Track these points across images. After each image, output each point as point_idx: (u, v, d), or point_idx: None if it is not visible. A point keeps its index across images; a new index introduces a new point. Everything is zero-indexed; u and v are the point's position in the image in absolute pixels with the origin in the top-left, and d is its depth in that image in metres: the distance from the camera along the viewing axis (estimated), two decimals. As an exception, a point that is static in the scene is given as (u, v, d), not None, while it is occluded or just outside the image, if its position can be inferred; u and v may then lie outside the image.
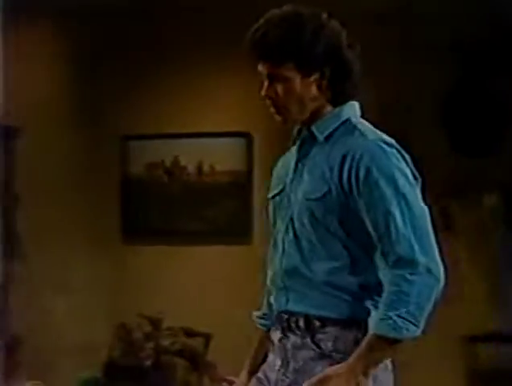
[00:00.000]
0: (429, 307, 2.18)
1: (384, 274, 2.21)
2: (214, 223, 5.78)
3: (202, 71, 5.74)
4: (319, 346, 2.26)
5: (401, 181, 2.24)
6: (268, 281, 2.40)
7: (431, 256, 2.19)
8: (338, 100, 2.36)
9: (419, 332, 2.17)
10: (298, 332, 2.29)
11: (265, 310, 2.48)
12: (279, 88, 2.34)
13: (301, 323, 2.29)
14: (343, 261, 2.27)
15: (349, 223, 2.26)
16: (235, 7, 5.39)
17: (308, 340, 2.28)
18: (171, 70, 5.82)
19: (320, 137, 2.34)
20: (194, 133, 5.82)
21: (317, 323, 2.27)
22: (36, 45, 5.92)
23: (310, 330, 2.28)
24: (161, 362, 4.92)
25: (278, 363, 2.33)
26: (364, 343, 2.17)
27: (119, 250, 5.93)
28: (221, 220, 5.77)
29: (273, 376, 2.34)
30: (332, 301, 2.27)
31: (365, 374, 2.17)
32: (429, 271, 2.18)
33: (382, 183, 2.22)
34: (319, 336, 2.27)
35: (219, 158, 5.78)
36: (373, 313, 2.21)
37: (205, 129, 5.80)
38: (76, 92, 5.97)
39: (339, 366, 2.18)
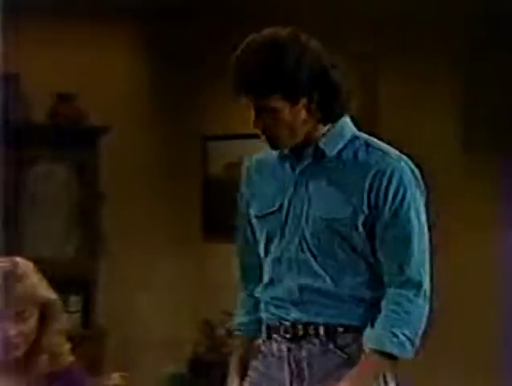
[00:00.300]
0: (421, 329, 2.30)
1: (387, 292, 2.29)
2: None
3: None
4: (344, 352, 2.31)
5: (421, 207, 2.33)
6: (268, 294, 2.40)
7: (428, 282, 2.32)
8: (329, 119, 2.35)
9: (413, 352, 2.27)
10: (315, 340, 2.32)
11: (246, 318, 2.48)
12: (268, 119, 2.31)
13: (321, 331, 2.32)
14: (365, 277, 2.33)
15: (374, 241, 2.32)
16: (303, 4, 5.41)
17: (332, 347, 2.31)
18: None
19: (330, 154, 2.34)
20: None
21: (340, 329, 2.32)
22: (116, 45, 6.02)
23: (331, 337, 2.31)
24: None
25: (286, 372, 2.35)
26: (366, 360, 2.25)
27: (200, 248, 6.00)
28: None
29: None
30: (353, 311, 2.33)
31: None
32: (426, 296, 2.31)
33: (408, 208, 2.29)
34: (341, 342, 2.31)
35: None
36: (370, 330, 2.27)
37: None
38: (157, 92, 6.07)
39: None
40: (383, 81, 5.43)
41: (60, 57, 5.67)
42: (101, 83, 5.77)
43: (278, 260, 2.38)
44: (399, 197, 2.29)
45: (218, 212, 6.02)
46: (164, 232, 5.93)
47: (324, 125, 2.35)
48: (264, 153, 2.46)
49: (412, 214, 2.30)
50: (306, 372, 2.33)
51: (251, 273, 2.49)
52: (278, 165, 2.41)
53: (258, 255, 2.46)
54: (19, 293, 2.42)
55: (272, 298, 2.39)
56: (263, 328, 2.41)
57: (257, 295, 2.45)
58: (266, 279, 2.41)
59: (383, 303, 2.29)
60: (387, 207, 2.29)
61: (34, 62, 5.50)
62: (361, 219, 2.30)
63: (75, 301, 5.67)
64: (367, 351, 2.26)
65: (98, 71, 5.79)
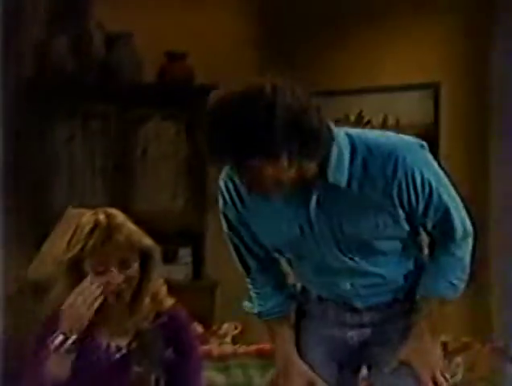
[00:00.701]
0: None
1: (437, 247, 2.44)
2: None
3: (388, 25, 5.75)
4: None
5: (434, 166, 2.39)
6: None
7: (470, 224, 2.46)
8: (314, 159, 2.26)
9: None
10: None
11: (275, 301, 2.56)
12: (268, 179, 2.21)
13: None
14: (408, 257, 2.48)
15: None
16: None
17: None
18: (354, 23, 5.85)
19: (343, 183, 2.29)
20: (378, 87, 5.84)
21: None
22: (224, 3, 6.08)
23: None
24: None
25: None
26: (426, 310, 2.42)
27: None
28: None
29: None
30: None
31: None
32: (471, 237, 2.46)
33: (435, 187, 2.35)
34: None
35: (404, 111, 5.76)
36: (424, 279, 2.45)
37: (389, 82, 5.80)
38: (264, 50, 6.10)
39: (421, 343, 2.41)
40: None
41: (170, 16, 5.77)
42: (209, 41, 5.83)
43: (323, 274, 2.47)
44: (427, 187, 2.35)
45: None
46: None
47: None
48: None
49: (440, 189, 2.38)
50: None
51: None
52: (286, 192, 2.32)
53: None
54: (120, 242, 2.55)
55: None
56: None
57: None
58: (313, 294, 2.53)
59: (434, 255, 2.45)
60: (420, 200, 2.35)
61: (145, 21, 5.61)
62: (399, 219, 2.37)
63: (185, 253, 5.84)
64: (423, 299, 2.44)
65: (207, 30, 5.86)
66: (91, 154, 5.59)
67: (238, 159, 2.19)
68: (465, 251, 2.45)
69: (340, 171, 2.28)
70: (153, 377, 2.45)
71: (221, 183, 2.44)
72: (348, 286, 2.45)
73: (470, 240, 2.46)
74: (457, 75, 5.51)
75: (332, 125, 2.31)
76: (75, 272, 2.57)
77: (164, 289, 2.68)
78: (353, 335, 2.50)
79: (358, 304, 2.47)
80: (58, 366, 2.50)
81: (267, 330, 2.58)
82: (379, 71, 5.82)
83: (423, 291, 2.45)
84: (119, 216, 2.60)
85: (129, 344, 2.54)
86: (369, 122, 5.89)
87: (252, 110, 2.13)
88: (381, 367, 2.46)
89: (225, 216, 2.49)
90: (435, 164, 2.41)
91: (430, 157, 2.40)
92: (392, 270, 2.45)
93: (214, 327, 3.75)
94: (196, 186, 5.89)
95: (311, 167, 2.26)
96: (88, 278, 2.53)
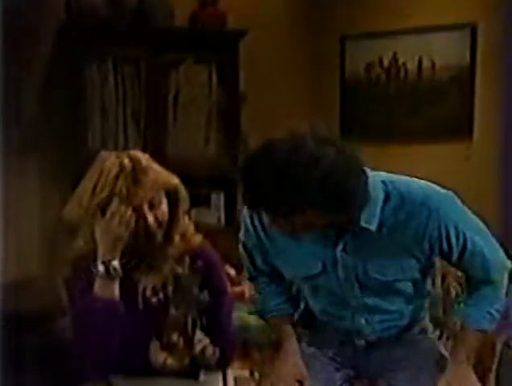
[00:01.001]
0: None
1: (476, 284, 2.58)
2: (434, 120, 5.77)
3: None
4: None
5: (467, 214, 2.48)
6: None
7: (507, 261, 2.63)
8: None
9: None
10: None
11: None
12: (298, 223, 2.25)
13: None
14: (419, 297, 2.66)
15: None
16: None
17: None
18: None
19: (374, 228, 2.36)
20: (413, 29, 5.77)
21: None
22: None
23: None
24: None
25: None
26: (467, 340, 2.54)
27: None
28: (441, 117, 5.74)
29: None
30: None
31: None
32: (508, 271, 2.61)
33: (469, 237, 2.45)
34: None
35: (439, 52, 5.71)
36: (466, 311, 2.59)
37: (424, 22, 5.73)
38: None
39: (460, 370, 2.53)
40: None
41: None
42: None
43: (340, 308, 2.59)
44: (461, 239, 2.44)
45: (356, 113, 6.05)
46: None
47: None
48: None
49: (473, 237, 2.47)
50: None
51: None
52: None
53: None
54: (148, 183, 2.58)
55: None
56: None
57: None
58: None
59: (472, 291, 2.59)
60: (454, 250, 2.46)
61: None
62: (419, 270, 2.53)
63: (217, 198, 5.86)
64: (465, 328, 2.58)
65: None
66: (123, 99, 5.60)
67: (288, 215, 2.19)
68: (503, 284, 2.57)
69: (372, 216, 2.35)
70: (190, 320, 2.47)
71: (246, 215, 2.57)
72: (363, 321, 2.59)
73: (506, 275, 2.57)
74: (494, 15, 5.42)
75: (369, 172, 2.32)
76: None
77: (192, 227, 2.71)
78: (362, 343, 2.64)
79: (369, 336, 2.62)
80: (105, 289, 2.51)
81: (271, 326, 2.61)
82: (414, 11, 5.74)
83: (465, 322, 2.57)
84: (143, 159, 2.62)
85: (165, 288, 2.56)
86: (404, 65, 5.84)
87: (299, 166, 2.14)
88: None
89: (244, 245, 2.66)
90: (467, 211, 2.46)
91: (461, 206, 2.45)
92: (405, 306, 2.60)
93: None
94: (229, 131, 5.89)
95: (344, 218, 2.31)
96: (116, 202, 2.54)
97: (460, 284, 2.94)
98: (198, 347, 2.46)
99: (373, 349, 2.64)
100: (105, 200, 2.56)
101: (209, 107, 5.82)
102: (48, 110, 5.43)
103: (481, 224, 2.52)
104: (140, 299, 2.61)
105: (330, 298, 2.59)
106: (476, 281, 2.58)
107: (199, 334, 2.47)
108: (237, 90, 5.86)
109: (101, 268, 2.50)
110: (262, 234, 2.57)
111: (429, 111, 5.79)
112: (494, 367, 2.97)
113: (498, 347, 2.99)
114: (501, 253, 2.57)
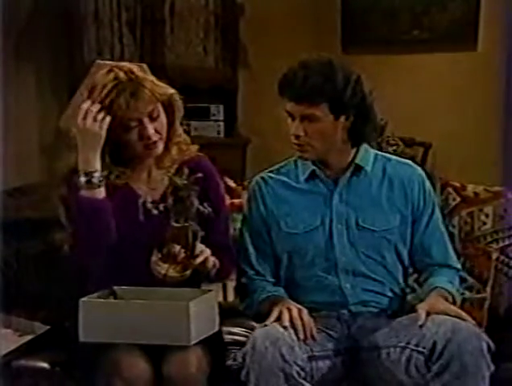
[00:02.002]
0: None
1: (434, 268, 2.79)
2: (437, 29, 5.72)
3: None
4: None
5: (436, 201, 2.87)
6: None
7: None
8: (356, 142, 2.73)
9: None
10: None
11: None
12: (310, 128, 2.65)
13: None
14: (400, 275, 2.83)
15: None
16: None
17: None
18: None
19: (368, 169, 2.74)
20: None
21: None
22: None
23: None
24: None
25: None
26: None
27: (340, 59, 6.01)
28: (445, 26, 5.70)
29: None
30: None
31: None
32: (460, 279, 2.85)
33: (436, 207, 2.81)
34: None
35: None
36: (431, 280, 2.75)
37: None
38: None
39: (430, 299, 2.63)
40: None
41: None
42: None
43: (328, 272, 2.73)
44: (432, 200, 2.80)
45: (358, 22, 6.00)
46: (303, 42, 5.97)
47: (352, 147, 2.73)
48: (276, 173, 2.82)
49: (438, 211, 2.82)
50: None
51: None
52: (306, 183, 2.77)
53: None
54: (147, 95, 2.58)
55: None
56: None
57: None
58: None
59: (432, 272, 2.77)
60: (426, 209, 2.77)
61: None
62: (408, 225, 2.76)
63: (217, 110, 5.86)
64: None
65: None
66: (117, 7, 5.55)
67: (314, 100, 2.61)
68: (456, 281, 2.78)
69: (366, 161, 2.75)
70: (191, 231, 2.49)
71: (254, 185, 2.82)
72: (348, 286, 2.72)
73: (458, 277, 2.80)
74: None
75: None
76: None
77: (187, 137, 2.73)
78: (346, 314, 2.75)
79: (353, 306, 2.72)
80: (90, 192, 2.56)
81: (267, 307, 2.69)
82: None
83: (426, 288, 2.72)
84: (137, 71, 2.62)
85: (164, 200, 2.58)
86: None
87: (339, 68, 2.65)
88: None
89: (242, 234, 2.82)
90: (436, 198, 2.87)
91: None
92: (387, 280, 2.76)
93: (245, 183, 3.80)
94: (228, 42, 5.85)
95: (348, 149, 2.73)
96: (85, 96, 2.56)
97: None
98: (199, 259, 2.49)
99: (355, 322, 2.73)
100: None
101: (207, 17, 5.77)
102: (41, 20, 5.40)
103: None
104: (141, 211, 2.64)
105: (318, 262, 2.73)
106: (436, 264, 2.77)
107: (199, 246, 2.50)
108: (235, 0, 5.82)
109: (82, 178, 2.53)
110: (268, 198, 2.79)
111: (432, 19, 5.74)
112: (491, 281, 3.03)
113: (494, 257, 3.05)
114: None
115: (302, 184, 2.78)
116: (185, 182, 2.46)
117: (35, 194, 3.26)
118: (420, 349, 2.49)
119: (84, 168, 2.55)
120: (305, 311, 2.62)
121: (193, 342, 2.47)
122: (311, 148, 2.69)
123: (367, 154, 2.77)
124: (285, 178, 2.81)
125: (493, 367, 2.46)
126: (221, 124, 5.87)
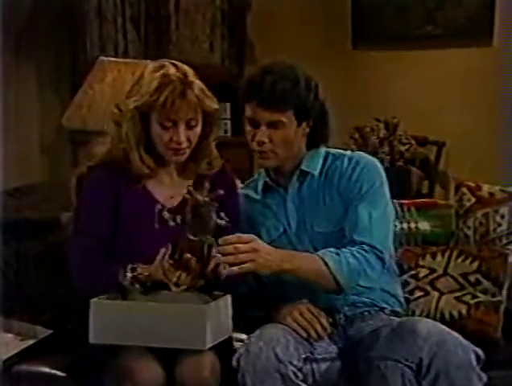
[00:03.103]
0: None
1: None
2: (452, 24, 5.72)
3: None
4: None
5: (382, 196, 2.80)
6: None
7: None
8: (313, 145, 2.79)
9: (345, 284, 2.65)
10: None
11: None
12: (275, 135, 2.69)
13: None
14: None
15: None
16: None
17: None
18: None
19: (315, 173, 2.77)
20: None
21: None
22: None
23: None
24: (395, 168, 5.07)
25: None
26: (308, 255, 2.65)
27: (349, 56, 6.03)
28: (459, 21, 5.70)
29: None
30: None
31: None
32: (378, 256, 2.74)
33: (373, 192, 2.75)
34: None
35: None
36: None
37: None
38: None
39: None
40: None
41: None
42: None
43: None
44: (365, 186, 2.74)
45: (369, 17, 6.00)
46: (312, 38, 5.98)
47: (308, 149, 2.79)
48: (245, 187, 2.91)
49: (372, 202, 2.73)
50: None
51: None
52: (265, 195, 2.83)
53: None
54: (193, 100, 2.59)
55: None
56: None
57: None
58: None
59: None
60: (355, 194, 2.74)
61: None
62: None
63: (223, 108, 5.85)
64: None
65: None
66: (121, 3, 5.57)
67: (280, 107, 2.65)
68: (367, 258, 2.68)
69: (314, 164, 2.78)
70: (206, 245, 2.49)
71: (257, 173, 2.90)
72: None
73: (373, 255, 2.67)
74: None
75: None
76: (141, 121, 2.62)
77: (216, 152, 2.74)
78: (342, 317, 2.76)
79: (344, 309, 2.73)
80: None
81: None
82: None
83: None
84: (190, 71, 2.63)
85: (180, 210, 2.59)
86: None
87: (302, 74, 2.69)
88: None
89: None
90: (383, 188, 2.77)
91: (382, 174, 2.78)
92: None
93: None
94: (234, 38, 5.86)
95: (304, 152, 2.78)
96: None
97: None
98: (211, 266, 2.48)
99: (352, 326, 2.73)
100: (147, 105, 2.58)
101: (213, 13, 5.78)
102: (42, 16, 5.41)
103: (388, 210, 2.75)
104: (157, 219, 2.66)
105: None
106: (348, 240, 2.69)
107: (215, 259, 2.48)
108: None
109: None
110: (258, 190, 2.85)
111: (446, 14, 5.74)
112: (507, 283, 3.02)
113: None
114: (383, 235, 2.71)
115: (260, 195, 2.84)
116: (206, 199, 2.46)
117: (36, 194, 3.27)
118: (409, 364, 2.45)
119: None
120: (311, 307, 2.63)
121: (208, 347, 2.46)
122: (274, 155, 2.72)
123: (315, 157, 2.80)
124: (248, 191, 2.87)
125: (485, 378, 2.44)
126: (228, 122, 5.88)
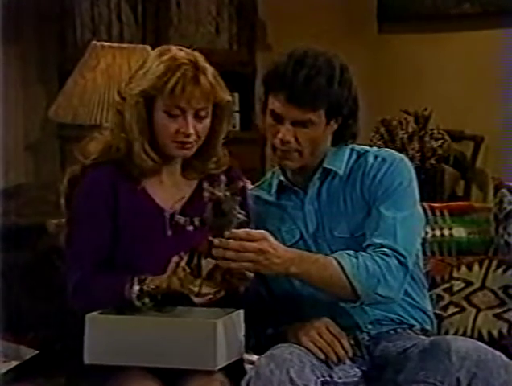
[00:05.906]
0: None
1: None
2: (491, 1, 5.72)
3: None
4: None
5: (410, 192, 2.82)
6: None
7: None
8: (341, 141, 2.78)
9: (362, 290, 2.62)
10: None
11: None
12: (302, 134, 2.68)
13: None
14: None
15: None
16: None
17: None
18: None
19: (340, 171, 2.76)
20: None
21: None
22: None
23: None
24: (426, 167, 5.08)
25: None
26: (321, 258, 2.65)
27: (374, 39, 6.05)
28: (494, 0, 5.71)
29: None
30: None
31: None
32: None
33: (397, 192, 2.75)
34: None
35: None
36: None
37: None
38: None
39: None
40: None
41: None
42: None
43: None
44: (390, 187, 2.74)
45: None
46: (331, 20, 6.01)
47: (332, 146, 2.79)
48: (256, 188, 2.90)
49: (396, 203, 2.73)
50: None
51: None
52: (279, 197, 2.82)
53: None
54: (206, 85, 2.59)
55: None
56: None
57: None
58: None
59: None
60: (379, 195, 2.73)
61: None
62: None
63: (232, 99, 5.86)
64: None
65: None
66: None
67: (313, 106, 2.64)
68: (392, 263, 2.67)
69: (338, 162, 2.78)
70: None
71: (270, 172, 2.90)
72: (348, 305, 2.69)
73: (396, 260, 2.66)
74: None
75: None
76: (144, 108, 2.63)
77: (225, 150, 2.75)
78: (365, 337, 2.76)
79: (367, 328, 2.74)
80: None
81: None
82: None
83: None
84: (200, 56, 2.64)
85: (184, 212, 2.63)
86: None
87: (337, 69, 2.68)
88: None
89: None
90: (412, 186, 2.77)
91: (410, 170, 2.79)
92: None
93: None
94: (244, 20, 5.88)
95: (328, 149, 2.77)
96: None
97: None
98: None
99: (377, 346, 2.72)
100: (154, 89, 2.58)
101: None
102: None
103: (415, 212, 2.75)
104: (168, 225, 2.66)
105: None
106: (368, 244, 2.69)
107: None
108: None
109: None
110: (269, 193, 2.85)
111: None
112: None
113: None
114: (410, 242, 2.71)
115: (273, 197, 2.83)
116: (227, 193, 2.46)
117: (19, 197, 3.29)
118: None
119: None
120: (331, 326, 2.64)
121: (218, 367, 2.46)
122: (299, 156, 2.71)
123: (339, 154, 2.79)
124: (259, 193, 2.87)
125: None
126: (237, 115, 5.90)
